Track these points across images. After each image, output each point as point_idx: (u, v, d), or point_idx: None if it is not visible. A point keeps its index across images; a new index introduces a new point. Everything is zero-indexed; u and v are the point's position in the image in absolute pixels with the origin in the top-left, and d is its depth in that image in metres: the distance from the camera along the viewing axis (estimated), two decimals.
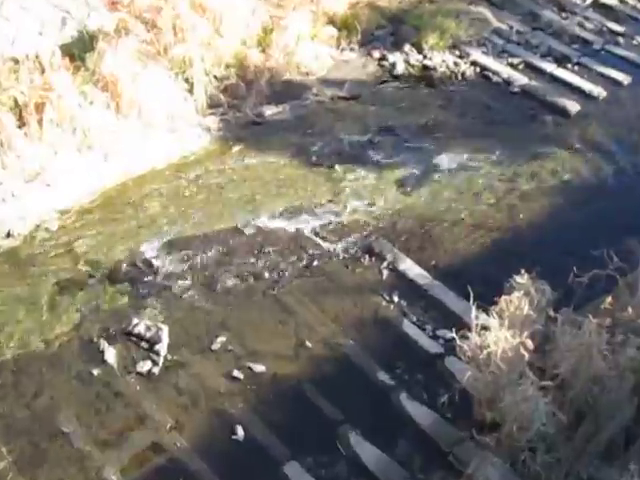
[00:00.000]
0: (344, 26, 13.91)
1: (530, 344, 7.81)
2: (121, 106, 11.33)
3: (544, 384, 7.73)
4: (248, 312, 9.42)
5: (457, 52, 14.02)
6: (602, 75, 13.77)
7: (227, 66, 12.52)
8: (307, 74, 13.22)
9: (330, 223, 10.61)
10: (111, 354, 8.85)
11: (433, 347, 9.13)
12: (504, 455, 7.80)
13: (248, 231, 10.43)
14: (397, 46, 14.00)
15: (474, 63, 13.85)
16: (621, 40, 14.77)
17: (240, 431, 8.25)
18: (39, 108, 10.71)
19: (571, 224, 10.72)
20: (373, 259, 10.14)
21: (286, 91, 12.82)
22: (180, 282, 9.71)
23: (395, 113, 12.66)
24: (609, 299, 8.49)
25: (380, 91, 13.19)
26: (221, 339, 9.07)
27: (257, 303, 9.54)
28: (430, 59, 13.80)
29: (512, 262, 9.10)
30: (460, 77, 13.58)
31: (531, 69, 13.84)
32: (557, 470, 7.62)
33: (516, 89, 13.35)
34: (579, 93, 13.29)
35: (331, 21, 13.91)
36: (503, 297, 8.27)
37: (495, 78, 13.57)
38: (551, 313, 8.30)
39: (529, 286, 8.33)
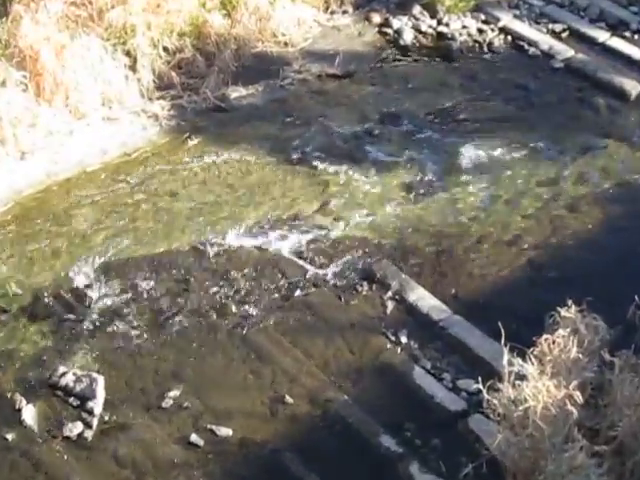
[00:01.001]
0: None
1: (579, 397, 7.88)
2: (43, 88, 11.41)
3: (597, 449, 7.80)
4: (209, 358, 9.46)
5: (482, 16, 14.17)
6: None
7: (181, 35, 12.59)
8: (286, 45, 13.34)
9: (317, 240, 10.68)
10: (30, 414, 8.85)
11: (453, 403, 9.17)
12: None
13: (209, 252, 10.48)
14: (403, 8, 14.15)
15: (504, 30, 14.01)
16: None
17: None
18: None
19: (631, 241, 10.80)
20: (374, 287, 10.19)
21: (258, 67, 12.93)
22: (120, 319, 9.75)
23: (401, 96, 12.78)
24: None
25: (381, 67, 13.33)
26: (174, 393, 9.09)
27: (221, 346, 9.58)
28: (447, 25, 13.96)
29: (556, 291, 9.20)
30: (486, 48, 13.73)
31: (578, 38, 13.98)
32: None
33: (559, 64, 13.49)
34: None
35: None
36: (544, 336, 8.33)
37: (532, 50, 13.73)
38: (606, 356, 8.36)
39: (577, 322, 8.39)
